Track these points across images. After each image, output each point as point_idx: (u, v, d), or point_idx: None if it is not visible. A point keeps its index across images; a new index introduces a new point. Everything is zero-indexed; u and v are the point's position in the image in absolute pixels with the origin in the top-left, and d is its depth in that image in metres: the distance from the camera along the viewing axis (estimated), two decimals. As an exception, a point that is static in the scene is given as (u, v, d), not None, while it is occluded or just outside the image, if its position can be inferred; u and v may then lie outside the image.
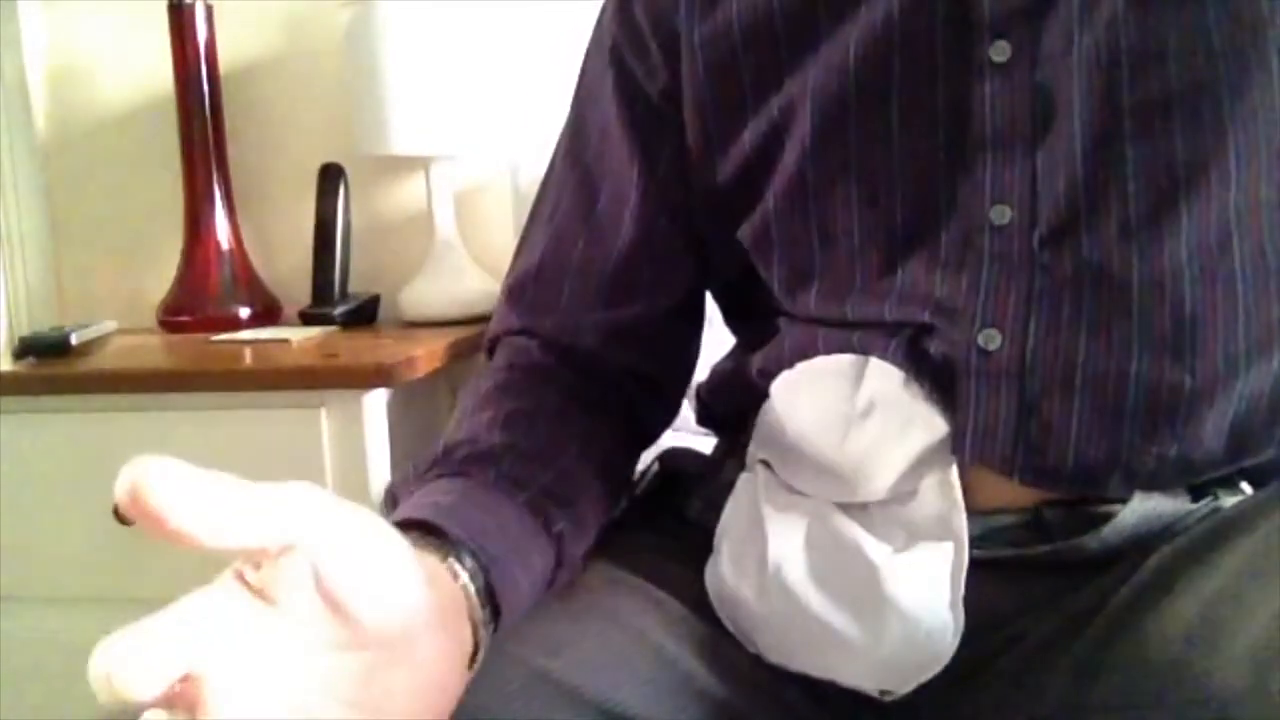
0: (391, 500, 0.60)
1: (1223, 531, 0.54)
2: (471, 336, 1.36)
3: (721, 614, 0.60)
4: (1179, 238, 0.55)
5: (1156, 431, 0.56)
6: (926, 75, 0.59)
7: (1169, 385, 0.55)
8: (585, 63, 0.74)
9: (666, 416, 0.75)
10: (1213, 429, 0.56)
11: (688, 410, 0.77)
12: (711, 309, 0.75)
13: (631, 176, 0.69)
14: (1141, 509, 0.57)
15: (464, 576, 0.49)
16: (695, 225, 0.69)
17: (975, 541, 0.57)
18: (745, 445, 0.66)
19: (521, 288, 0.72)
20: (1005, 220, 0.57)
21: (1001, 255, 0.57)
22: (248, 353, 1.28)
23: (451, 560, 0.49)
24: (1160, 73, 0.55)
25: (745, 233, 0.66)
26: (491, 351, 0.73)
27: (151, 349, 1.36)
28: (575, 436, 0.63)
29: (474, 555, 0.50)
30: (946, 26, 0.58)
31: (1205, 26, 0.54)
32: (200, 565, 1.32)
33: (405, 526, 0.49)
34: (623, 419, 0.69)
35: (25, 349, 1.28)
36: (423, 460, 0.60)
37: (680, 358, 0.74)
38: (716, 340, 0.76)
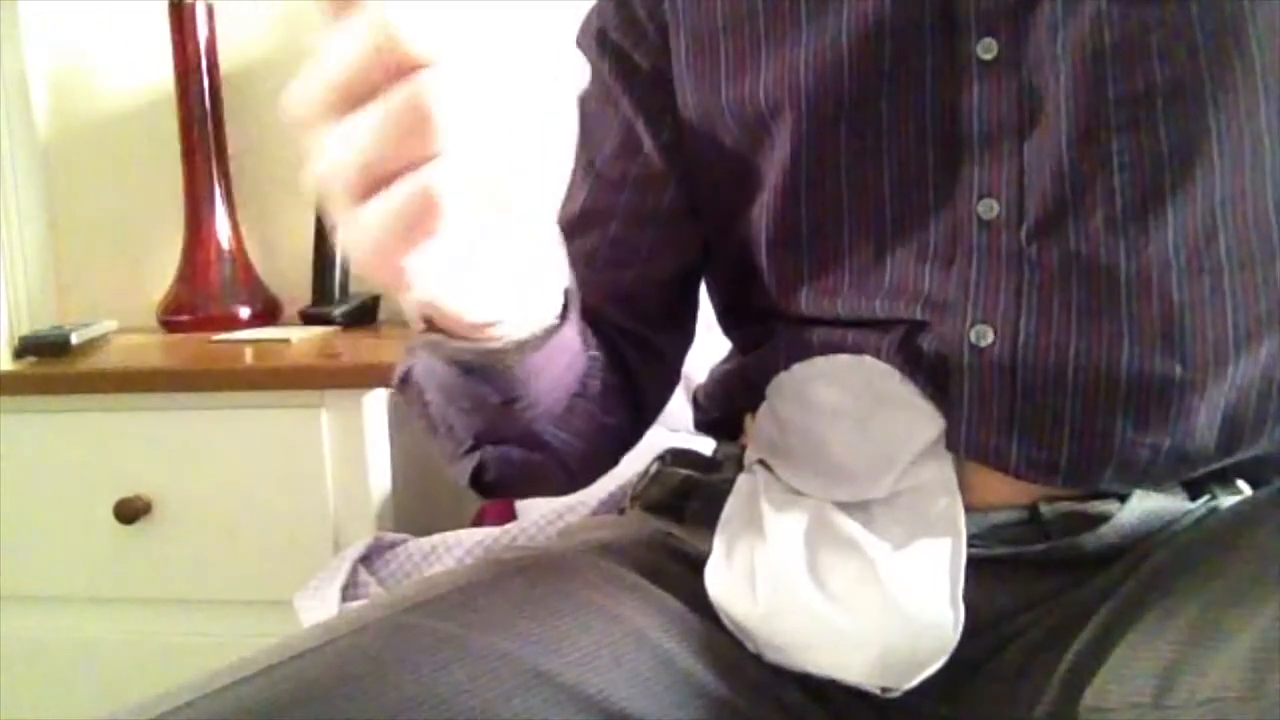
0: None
1: (1222, 532, 0.54)
2: (471, 336, 1.36)
3: (721, 613, 0.60)
4: (1165, 229, 0.55)
5: (1149, 423, 0.56)
6: (916, 73, 0.59)
7: (1160, 376, 0.56)
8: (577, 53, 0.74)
9: (664, 386, 0.74)
10: (1205, 420, 0.56)
11: (687, 412, 0.77)
12: (709, 311, 0.75)
13: (637, 144, 0.69)
14: (1140, 508, 0.57)
15: None
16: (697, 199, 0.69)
17: (973, 539, 0.57)
18: (744, 447, 0.66)
19: None
20: (992, 214, 0.58)
21: (989, 249, 0.58)
22: (248, 352, 1.28)
23: None
24: (1145, 67, 0.55)
25: (738, 229, 0.67)
26: None
27: (151, 349, 1.36)
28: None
29: None
30: (934, 24, 0.59)
31: (1188, 22, 0.55)
32: (199, 566, 1.31)
33: None
34: (620, 370, 0.69)
35: (25, 349, 1.28)
36: None
37: (678, 329, 0.73)
38: (716, 344, 0.76)
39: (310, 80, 0.34)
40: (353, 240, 0.35)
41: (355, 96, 0.34)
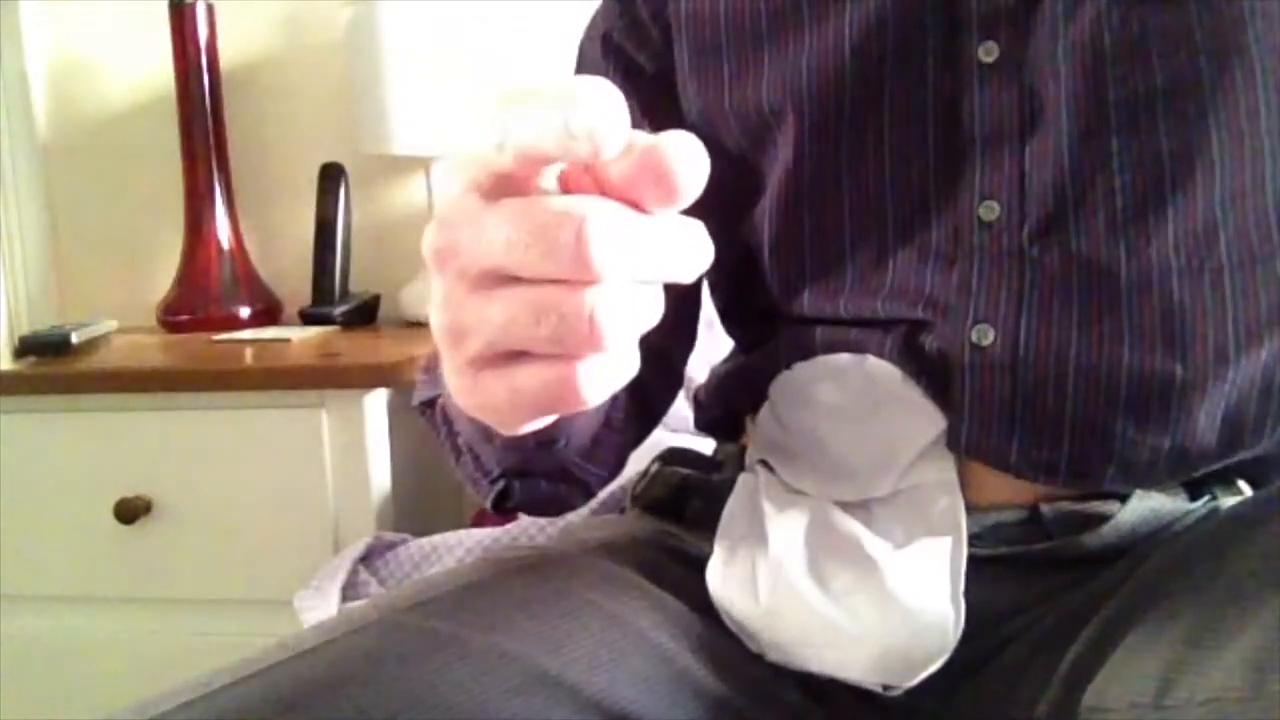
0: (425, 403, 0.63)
1: (1223, 533, 0.54)
2: (471, 336, 1.36)
3: (722, 612, 0.60)
4: (1166, 230, 0.56)
5: (1149, 422, 0.56)
6: (917, 76, 0.59)
7: (1160, 376, 0.56)
8: (580, 56, 0.74)
9: (670, 390, 0.74)
10: (1205, 420, 0.56)
11: (688, 412, 0.77)
12: (711, 311, 0.75)
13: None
14: (1141, 508, 0.57)
15: None
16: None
17: (974, 539, 0.57)
18: (744, 446, 0.66)
19: None
20: (994, 216, 0.58)
21: (991, 251, 0.58)
22: (248, 352, 1.28)
23: None
24: (1144, 69, 0.55)
25: (740, 230, 0.67)
26: None
27: (151, 348, 1.36)
28: None
29: None
30: (935, 27, 0.59)
31: (1187, 24, 0.55)
32: (199, 566, 1.30)
33: None
34: (634, 385, 0.67)
35: (25, 348, 1.28)
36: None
37: (683, 333, 0.73)
38: (716, 344, 0.76)
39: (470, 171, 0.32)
40: (488, 401, 0.34)
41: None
